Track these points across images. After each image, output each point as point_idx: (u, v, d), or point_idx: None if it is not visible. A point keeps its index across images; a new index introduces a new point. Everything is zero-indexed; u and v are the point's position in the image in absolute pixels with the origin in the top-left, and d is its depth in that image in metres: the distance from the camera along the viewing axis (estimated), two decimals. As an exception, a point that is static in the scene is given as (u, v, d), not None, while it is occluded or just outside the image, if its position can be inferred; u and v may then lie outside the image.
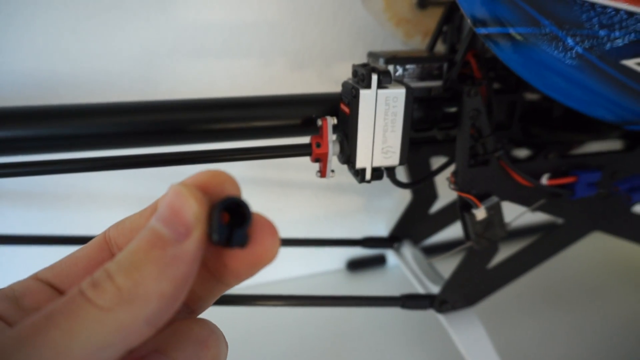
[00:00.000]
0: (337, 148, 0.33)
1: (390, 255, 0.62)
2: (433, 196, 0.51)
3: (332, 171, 0.33)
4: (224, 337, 0.15)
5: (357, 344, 0.49)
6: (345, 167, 0.34)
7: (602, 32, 0.27)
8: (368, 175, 0.33)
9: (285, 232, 0.57)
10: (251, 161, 0.51)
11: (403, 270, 0.49)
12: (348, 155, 0.33)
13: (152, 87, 0.47)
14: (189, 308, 0.16)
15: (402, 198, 0.60)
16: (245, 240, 0.13)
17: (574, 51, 0.28)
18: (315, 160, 0.33)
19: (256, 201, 0.54)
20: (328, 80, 0.52)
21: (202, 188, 0.13)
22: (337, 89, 0.35)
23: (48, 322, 0.11)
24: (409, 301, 0.40)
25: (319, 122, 0.32)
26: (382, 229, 0.60)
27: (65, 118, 0.31)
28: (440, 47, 0.42)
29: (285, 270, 0.60)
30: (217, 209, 0.13)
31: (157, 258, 0.12)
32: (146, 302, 0.11)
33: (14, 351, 0.10)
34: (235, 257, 0.13)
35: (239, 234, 0.13)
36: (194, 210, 0.12)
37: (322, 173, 0.33)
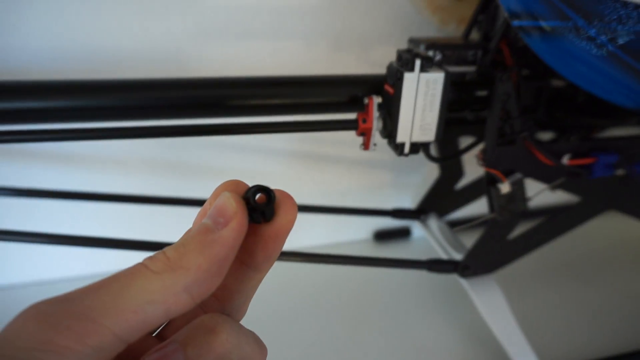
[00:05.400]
0: (380, 124, 0.37)
1: (415, 228, 0.66)
2: (459, 173, 0.55)
3: (375, 144, 0.37)
4: (245, 330, 0.17)
5: (380, 307, 0.54)
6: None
7: (620, 27, 0.31)
8: (407, 149, 0.37)
9: (318, 201, 0.62)
10: (291, 136, 0.55)
11: (428, 239, 0.54)
12: (390, 131, 0.37)
13: (205, 64, 0.51)
14: (222, 308, 0.19)
15: (428, 175, 0.64)
16: (273, 213, 0.17)
17: (598, 42, 0.31)
18: (360, 134, 0.37)
19: (294, 172, 0.59)
20: (365, 62, 0.55)
21: (235, 191, 0.17)
22: (373, 71, 0.39)
23: (112, 278, 0.15)
24: (435, 265, 0.45)
25: (366, 100, 0.36)
26: (408, 203, 0.65)
27: (126, 91, 0.35)
28: (474, 35, 0.45)
29: (313, 238, 0.65)
30: (250, 195, 0.17)
31: (200, 240, 0.15)
32: (187, 271, 0.15)
33: (82, 294, 0.14)
34: (265, 231, 0.17)
35: (269, 210, 0.17)
36: (232, 208, 0.16)
37: (366, 146, 0.37)
